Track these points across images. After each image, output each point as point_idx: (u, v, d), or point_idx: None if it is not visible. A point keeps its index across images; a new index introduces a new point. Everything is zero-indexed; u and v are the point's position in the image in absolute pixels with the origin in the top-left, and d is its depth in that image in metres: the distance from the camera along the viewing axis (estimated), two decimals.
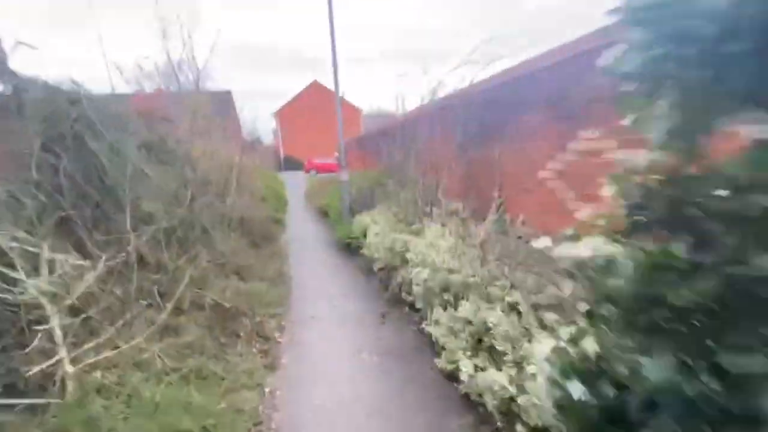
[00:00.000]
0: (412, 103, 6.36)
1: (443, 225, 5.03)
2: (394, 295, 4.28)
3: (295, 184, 19.47)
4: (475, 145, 4.91)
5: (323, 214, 9.63)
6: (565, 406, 1.05)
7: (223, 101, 16.68)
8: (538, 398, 1.77)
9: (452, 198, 5.30)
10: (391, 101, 32.59)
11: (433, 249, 3.74)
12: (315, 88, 40.00)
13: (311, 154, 33.71)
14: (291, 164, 38.77)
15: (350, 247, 6.42)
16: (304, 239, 7.87)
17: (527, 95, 3.81)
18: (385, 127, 9.70)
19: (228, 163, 7.18)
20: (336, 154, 35.60)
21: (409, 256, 3.96)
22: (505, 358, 2.22)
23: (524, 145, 3.95)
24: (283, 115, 39.49)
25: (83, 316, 2.65)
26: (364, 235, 5.95)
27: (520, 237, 3.88)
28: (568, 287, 2.28)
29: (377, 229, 5.50)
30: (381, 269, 4.79)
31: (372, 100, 40.79)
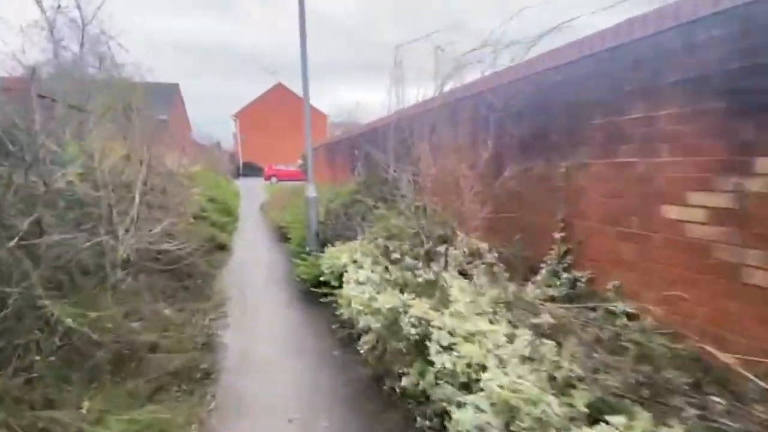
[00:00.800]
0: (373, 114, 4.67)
1: (465, 276, 3.32)
2: None
3: (252, 194, 17.16)
4: (519, 155, 3.27)
5: (282, 235, 7.66)
6: None
7: (165, 94, 14.22)
8: None
9: (475, 233, 3.62)
10: (359, 110, 31.14)
11: (486, 348, 1.99)
12: (279, 90, 37.63)
13: (273, 160, 31.20)
14: (251, 170, 35.89)
15: (318, 293, 4.57)
16: (254, 275, 5.86)
17: (650, 71, 2.22)
18: (364, 131, 7.96)
19: (155, 171, 5.12)
20: (300, 161, 33.28)
21: (438, 358, 2.13)
22: None
23: (632, 160, 2.33)
24: (243, 117, 36.70)
25: None
26: (340, 279, 4.12)
27: (627, 318, 2.25)
28: None
29: (362, 276, 3.70)
30: (372, 349, 2.98)
31: (337, 109, 38.85)
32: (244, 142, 36.59)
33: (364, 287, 3.47)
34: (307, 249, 5.69)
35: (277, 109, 36.47)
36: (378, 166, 6.20)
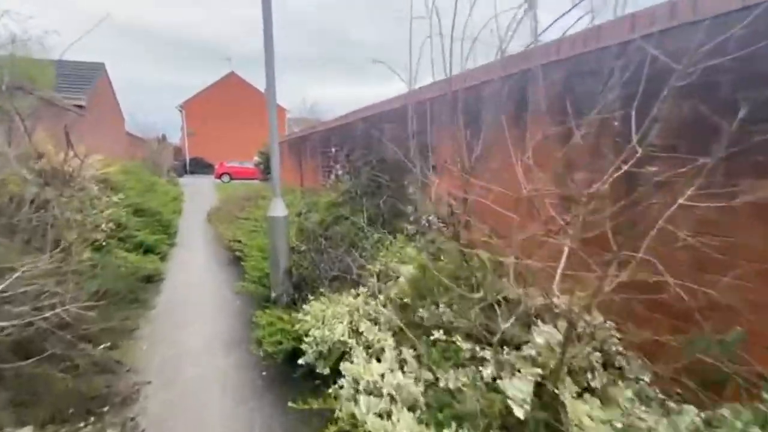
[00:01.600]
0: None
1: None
2: None
3: (198, 197, 14.68)
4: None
5: (236, 260, 5.75)
6: None
7: (82, 75, 11.38)
8: None
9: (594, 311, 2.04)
10: (321, 106, 28.71)
11: None
12: (232, 80, 34.41)
13: (225, 156, 28.22)
14: (199, 167, 32.48)
15: (300, 386, 2.81)
16: (189, 332, 3.95)
17: None
18: (346, 123, 6.20)
19: None
20: (256, 158, 30.56)
21: None
22: None
23: None
24: (190, 108, 33.11)
25: None
26: (335, 365, 2.42)
27: None
28: None
29: (381, 372, 2.02)
30: None
31: (294, 106, 36.24)
32: (191, 136, 33.01)
33: (399, 413, 1.79)
34: (272, 295, 3.88)
35: (231, 101, 33.29)
36: (374, 167, 4.52)
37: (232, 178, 25.81)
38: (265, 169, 12.83)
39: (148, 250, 5.89)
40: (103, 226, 4.68)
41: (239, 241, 5.84)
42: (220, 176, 25.75)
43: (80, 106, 9.58)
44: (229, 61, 35.31)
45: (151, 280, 5.14)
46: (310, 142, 7.93)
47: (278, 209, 3.89)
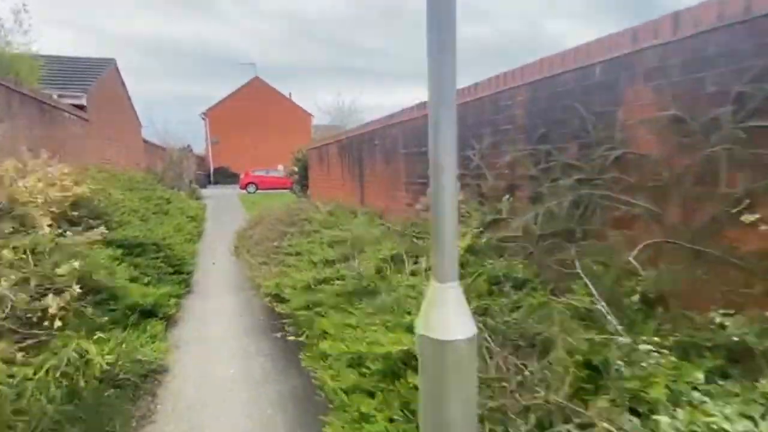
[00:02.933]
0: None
1: None
2: None
3: (222, 214, 12.68)
4: None
5: (275, 323, 3.46)
6: None
7: (84, 71, 9.49)
8: None
9: None
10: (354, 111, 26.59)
11: None
12: (256, 85, 32.97)
13: (252, 165, 26.54)
14: (224, 177, 31.01)
15: None
16: None
17: None
18: (497, 92, 3.75)
19: None
20: (280, 166, 28.72)
21: None
22: None
23: None
24: (214, 116, 31.79)
25: None
26: None
27: None
28: None
29: None
30: None
31: (320, 112, 34.42)
32: (215, 145, 31.65)
33: None
34: None
35: (255, 107, 31.80)
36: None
37: (257, 188, 24.02)
38: (301, 180, 10.62)
39: (146, 313, 3.67)
40: (52, 302, 2.46)
41: (284, 299, 3.54)
42: (245, 186, 23.99)
43: (79, 107, 7.65)
44: (254, 65, 33.84)
45: (141, 384, 2.88)
46: (385, 141, 5.44)
47: (450, 320, 1.43)
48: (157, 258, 4.74)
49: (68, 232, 3.17)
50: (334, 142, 7.47)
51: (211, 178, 31.05)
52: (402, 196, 4.63)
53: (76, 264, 2.70)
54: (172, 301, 4.14)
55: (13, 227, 2.80)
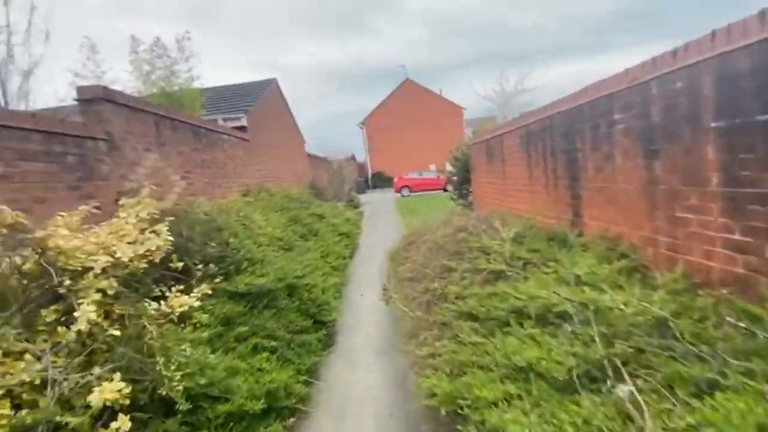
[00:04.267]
0: None
1: None
2: None
3: (379, 224, 11.97)
4: None
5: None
6: None
7: (246, 95, 9.96)
8: None
9: None
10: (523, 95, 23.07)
11: None
12: (408, 87, 32.91)
13: (409, 167, 26.34)
14: (381, 181, 32.07)
15: None
16: None
17: None
18: None
19: None
20: (432, 166, 27.53)
21: None
22: None
23: None
24: (371, 124, 33.20)
25: None
26: None
27: None
28: None
29: None
30: None
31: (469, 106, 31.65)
32: (373, 151, 33.02)
33: None
34: None
35: (408, 109, 31.74)
36: None
37: (411, 191, 23.47)
38: (460, 183, 8.75)
39: (258, 416, 2.44)
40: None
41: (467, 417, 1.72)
42: (399, 189, 23.77)
43: (241, 128, 7.74)
44: (404, 67, 33.88)
45: None
46: (647, 112, 2.80)
47: None
48: (291, 307, 3.63)
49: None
50: (512, 131, 5.29)
51: (369, 183, 32.50)
52: (704, 221, 2.19)
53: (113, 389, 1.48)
54: (297, 387, 2.85)
55: (57, 311, 1.80)
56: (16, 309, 1.64)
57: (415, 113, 31.51)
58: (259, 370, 2.77)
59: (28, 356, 1.65)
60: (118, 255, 2.06)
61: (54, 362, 1.66)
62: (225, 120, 7.60)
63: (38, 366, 1.62)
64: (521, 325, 2.48)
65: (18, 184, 2.69)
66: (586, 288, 2.53)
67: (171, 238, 2.35)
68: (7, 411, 1.48)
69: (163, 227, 2.54)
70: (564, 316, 2.31)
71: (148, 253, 2.19)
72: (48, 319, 1.81)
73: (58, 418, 1.48)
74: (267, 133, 9.15)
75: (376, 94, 71.24)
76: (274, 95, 10.41)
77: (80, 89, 3.59)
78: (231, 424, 2.25)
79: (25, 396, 1.53)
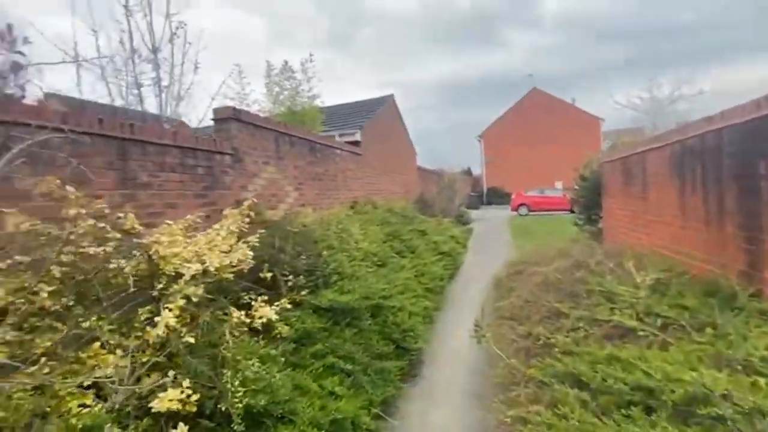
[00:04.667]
0: None
1: None
2: None
3: (487, 247, 11.19)
4: None
5: None
6: None
7: (362, 112, 10.43)
8: None
9: None
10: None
11: None
12: (533, 98, 30.67)
13: (526, 183, 24.42)
14: (497, 197, 30.42)
15: None
16: None
17: None
18: None
19: None
20: (558, 183, 24.81)
21: None
22: None
23: None
24: (488, 137, 31.94)
25: None
26: None
27: None
28: None
29: None
30: None
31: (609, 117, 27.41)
32: (489, 164, 31.64)
33: None
34: None
35: (532, 120, 29.57)
36: None
37: (530, 210, 21.55)
38: (587, 206, 7.54)
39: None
40: None
41: None
42: (516, 208, 22.07)
43: (354, 143, 8.13)
44: (531, 76, 31.68)
45: None
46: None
47: None
48: (373, 329, 3.50)
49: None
50: (659, 147, 4.25)
51: (484, 199, 31.12)
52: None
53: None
54: (367, 420, 2.65)
55: (150, 312, 1.98)
56: (109, 305, 1.82)
57: (541, 125, 29.10)
58: (331, 393, 2.68)
59: (119, 351, 1.82)
60: (206, 264, 2.18)
61: (134, 361, 1.80)
62: (341, 135, 8.10)
63: (123, 363, 1.76)
64: (649, 413, 1.82)
65: (156, 191, 3.19)
66: (761, 380, 1.73)
67: (251, 252, 2.42)
68: (90, 401, 1.62)
69: (254, 239, 2.66)
70: (720, 419, 1.59)
71: (233, 264, 2.29)
72: (142, 318, 2.00)
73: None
74: (379, 148, 9.45)
75: (497, 106, 68.60)
76: (388, 111, 10.75)
77: (215, 110, 4.16)
78: None
79: (106, 389, 1.67)
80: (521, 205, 21.85)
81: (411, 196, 12.05)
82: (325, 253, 3.84)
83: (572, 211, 11.12)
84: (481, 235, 13.59)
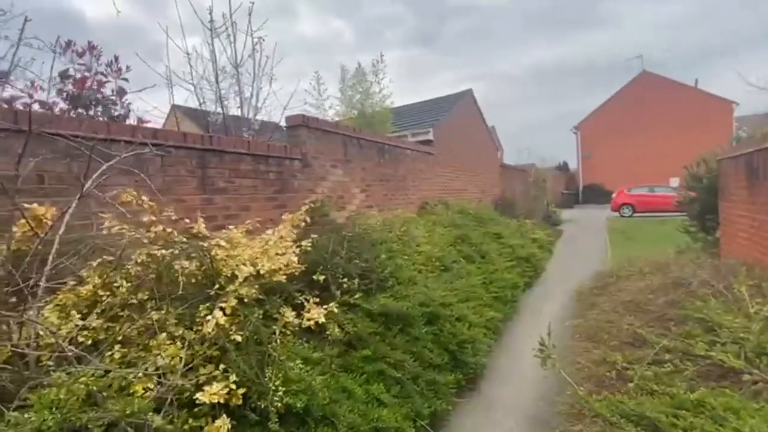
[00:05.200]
0: None
1: None
2: None
3: (576, 249, 10.11)
4: None
5: None
6: None
7: (436, 110, 10.09)
8: None
9: None
10: None
11: None
12: (640, 83, 26.81)
13: (629, 181, 21.51)
14: (594, 195, 27.37)
15: None
16: None
17: None
18: None
19: None
20: (674, 180, 21.37)
21: None
22: None
23: None
24: (586, 129, 28.83)
25: None
26: None
27: None
28: None
29: None
30: None
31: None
32: (586, 159, 28.57)
33: None
34: None
35: (640, 109, 25.88)
36: None
37: (635, 211, 18.87)
38: (702, 210, 6.32)
39: None
40: None
41: None
42: (618, 208, 19.52)
43: (426, 142, 8.01)
44: (640, 58, 27.64)
45: None
46: None
47: None
48: (428, 338, 3.40)
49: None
50: (741, 157, 3.34)
51: (580, 197, 28.23)
52: None
53: None
54: (409, 431, 2.59)
55: (209, 309, 2.20)
56: (175, 300, 2.06)
57: (653, 112, 25.31)
58: (376, 399, 2.68)
59: (178, 343, 2.05)
60: (258, 267, 2.34)
61: (193, 352, 2.00)
62: (413, 135, 8.05)
63: (181, 354, 1.98)
64: None
65: (232, 196, 3.54)
66: None
67: (295, 258, 2.53)
68: (152, 385, 1.86)
69: (307, 243, 2.78)
70: None
71: (282, 268, 2.42)
72: (202, 314, 2.22)
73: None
74: (453, 146, 9.17)
75: (601, 94, 61.50)
76: (466, 107, 10.34)
77: (287, 118, 4.45)
78: None
79: (162, 378, 1.89)
80: (624, 204, 19.27)
81: (490, 196, 11.48)
82: (383, 256, 3.85)
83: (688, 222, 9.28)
84: (572, 240, 12.35)
